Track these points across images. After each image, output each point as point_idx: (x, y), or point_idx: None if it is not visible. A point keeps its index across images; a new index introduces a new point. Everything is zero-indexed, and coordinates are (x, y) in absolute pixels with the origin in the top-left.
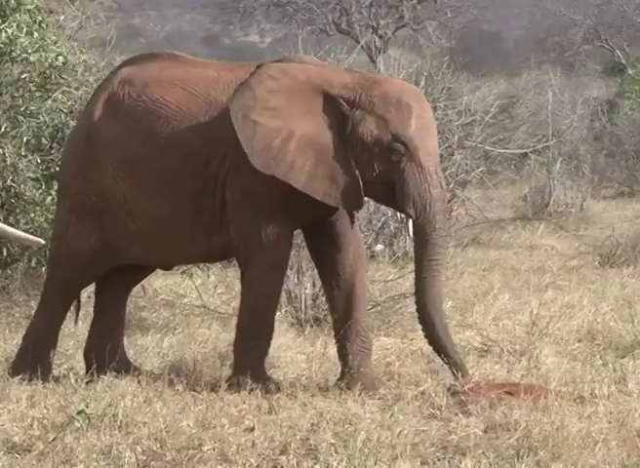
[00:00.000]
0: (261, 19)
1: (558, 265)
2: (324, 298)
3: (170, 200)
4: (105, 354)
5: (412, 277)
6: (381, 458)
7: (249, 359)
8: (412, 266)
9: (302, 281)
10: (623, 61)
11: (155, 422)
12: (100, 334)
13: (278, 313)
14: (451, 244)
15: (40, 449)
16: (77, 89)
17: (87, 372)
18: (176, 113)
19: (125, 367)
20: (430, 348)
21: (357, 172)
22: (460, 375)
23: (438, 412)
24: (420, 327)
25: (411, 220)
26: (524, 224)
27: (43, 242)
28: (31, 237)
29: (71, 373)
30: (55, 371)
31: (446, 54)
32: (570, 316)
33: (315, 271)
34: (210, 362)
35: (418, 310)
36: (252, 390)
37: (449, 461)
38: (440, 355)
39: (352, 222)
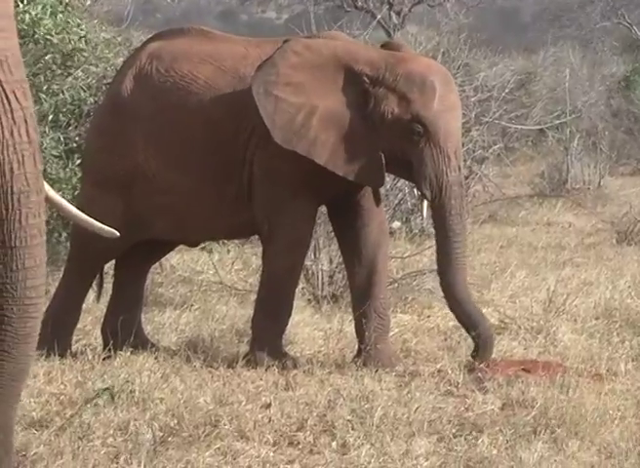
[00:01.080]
0: None
1: (575, 242)
2: (341, 275)
3: (197, 175)
4: (122, 330)
5: (429, 253)
6: (398, 435)
7: (267, 335)
8: (429, 243)
9: (319, 258)
10: None
11: (172, 398)
12: (118, 310)
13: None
14: (468, 221)
15: (58, 425)
16: (96, 65)
17: (104, 349)
18: (204, 88)
19: (142, 343)
20: (448, 325)
21: (379, 148)
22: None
23: (455, 389)
24: (437, 304)
25: (426, 201)
26: (541, 201)
27: (118, 234)
28: (106, 228)
29: (89, 349)
30: (72, 348)
31: (463, 30)
32: (587, 293)
33: (332, 248)
34: (227, 338)
35: (444, 292)
36: (269, 367)
37: (465, 438)
38: (470, 332)
39: (378, 200)
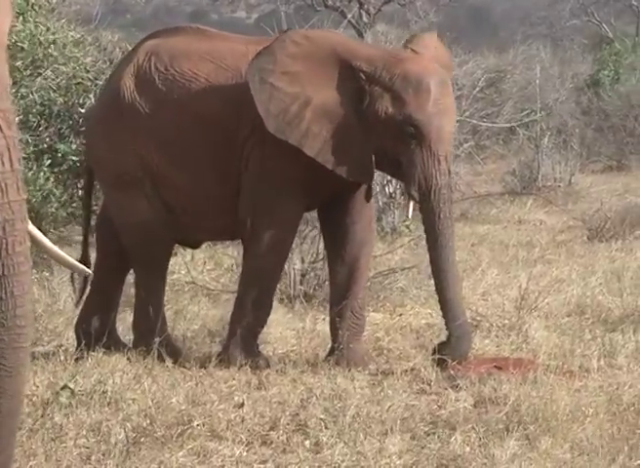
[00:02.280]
0: None
1: (547, 240)
2: (313, 274)
3: (198, 173)
4: (95, 330)
5: (400, 252)
6: (371, 433)
7: (242, 334)
8: (400, 241)
9: (292, 257)
10: (610, 36)
11: (145, 399)
12: (94, 310)
13: None
14: None
15: (30, 426)
16: (66, 65)
17: (77, 348)
18: (205, 86)
19: (114, 343)
20: (420, 323)
21: (370, 146)
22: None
23: (428, 387)
24: (409, 302)
25: (412, 202)
26: (512, 199)
27: (89, 272)
28: (79, 265)
29: (60, 350)
30: (43, 349)
31: (433, 29)
32: (559, 290)
33: (304, 247)
34: (199, 338)
35: (438, 294)
36: (241, 366)
37: (438, 436)
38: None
39: (369, 197)
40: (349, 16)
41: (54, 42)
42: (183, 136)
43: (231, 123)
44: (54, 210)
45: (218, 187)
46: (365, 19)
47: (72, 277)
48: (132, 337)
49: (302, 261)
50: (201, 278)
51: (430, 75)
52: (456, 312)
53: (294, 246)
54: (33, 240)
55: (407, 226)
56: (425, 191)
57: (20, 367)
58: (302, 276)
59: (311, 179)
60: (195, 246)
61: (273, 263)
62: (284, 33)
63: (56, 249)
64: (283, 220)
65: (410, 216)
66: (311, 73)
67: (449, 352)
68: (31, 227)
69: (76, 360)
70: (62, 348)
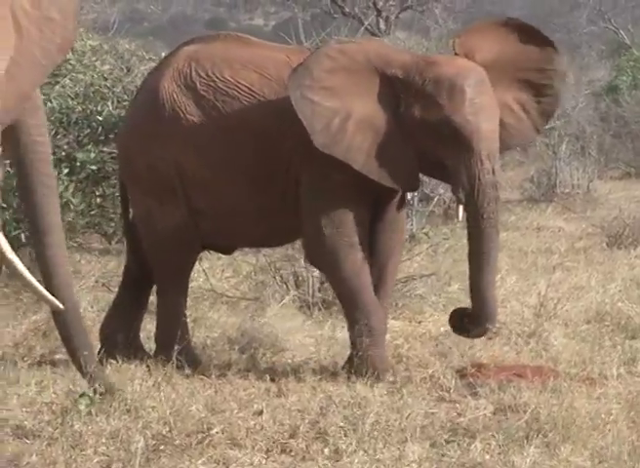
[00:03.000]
0: (266, 1)
1: (566, 246)
2: None
3: (238, 181)
4: (118, 336)
5: (419, 259)
6: (391, 441)
7: (365, 348)
8: (419, 249)
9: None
10: (628, 42)
11: (164, 407)
12: (119, 315)
13: (287, 297)
14: (458, 226)
15: (49, 434)
16: (84, 73)
17: (98, 352)
18: (248, 95)
19: (135, 350)
20: (439, 330)
21: (413, 152)
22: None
23: (447, 395)
24: (428, 309)
25: (460, 205)
26: (531, 206)
27: (62, 307)
28: (52, 298)
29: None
30: (63, 356)
31: (452, 35)
32: (578, 297)
33: None
34: (218, 346)
35: (471, 291)
36: (262, 374)
37: (458, 443)
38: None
39: (402, 206)
40: (367, 23)
41: (72, 50)
42: (224, 144)
43: (274, 133)
44: (71, 218)
45: (257, 196)
46: (382, 26)
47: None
48: (153, 346)
49: None
50: (220, 285)
51: (463, 75)
52: (486, 297)
53: None
54: (9, 266)
55: (425, 233)
56: (470, 192)
57: None
58: (321, 283)
59: (364, 186)
60: (227, 252)
61: (353, 270)
62: (318, 48)
63: (31, 279)
64: (349, 226)
65: (460, 219)
66: (349, 86)
67: (470, 324)
68: (9, 253)
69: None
70: None
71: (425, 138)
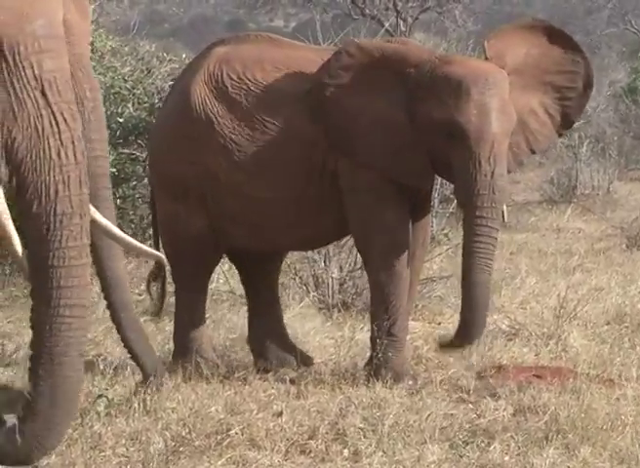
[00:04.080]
0: (286, 2)
1: (585, 248)
2: (351, 283)
3: (273, 184)
4: (271, 343)
5: (438, 260)
6: (410, 442)
7: (387, 350)
8: (438, 250)
9: (329, 266)
10: None
11: (184, 408)
12: (259, 320)
13: (306, 298)
14: None
15: (69, 435)
16: (104, 75)
17: (255, 363)
18: (281, 96)
19: (290, 353)
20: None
21: (423, 150)
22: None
23: (466, 396)
24: (447, 311)
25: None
26: (551, 207)
27: (162, 256)
28: (153, 251)
29: (99, 360)
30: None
31: (471, 37)
32: (598, 299)
33: (342, 256)
34: (238, 347)
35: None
36: (281, 375)
37: (477, 445)
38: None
39: (428, 209)
40: (387, 24)
41: (92, 52)
42: (257, 147)
43: (308, 134)
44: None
45: (295, 199)
46: (402, 27)
47: (149, 286)
48: (172, 347)
49: (341, 270)
50: (239, 287)
51: (471, 76)
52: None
53: (331, 254)
54: (103, 229)
55: (445, 235)
56: (465, 193)
57: (63, 354)
58: (341, 285)
59: (400, 184)
60: (269, 255)
61: (392, 270)
62: (342, 45)
63: (125, 236)
64: (391, 225)
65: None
66: (364, 83)
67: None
68: (98, 217)
69: (115, 369)
70: (101, 357)
71: (433, 137)
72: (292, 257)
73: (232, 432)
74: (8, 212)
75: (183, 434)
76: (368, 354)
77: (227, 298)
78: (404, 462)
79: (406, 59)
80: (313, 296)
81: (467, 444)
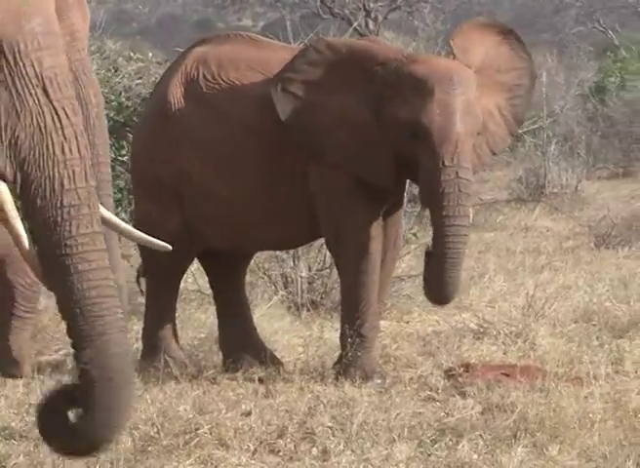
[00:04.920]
0: (255, 1)
1: (553, 246)
2: (320, 282)
3: (244, 184)
4: (237, 340)
5: (407, 259)
6: (378, 441)
7: (356, 351)
8: (406, 249)
9: (298, 265)
10: (616, 43)
11: (152, 407)
12: (228, 324)
13: (275, 297)
14: None
15: (37, 436)
16: None
17: (224, 363)
18: (252, 97)
19: (260, 353)
20: (427, 330)
21: (388, 149)
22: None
23: (435, 395)
24: (416, 309)
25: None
26: (519, 206)
27: (170, 248)
28: (158, 242)
29: (68, 359)
30: (51, 357)
31: (440, 36)
32: (566, 297)
33: (310, 255)
34: (206, 347)
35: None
36: (249, 374)
37: (446, 443)
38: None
39: (399, 209)
40: (355, 23)
41: None
42: (228, 147)
43: (278, 136)
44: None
45: (265, 201)
46: (371, 26)
47: (138, 280)
48: (140, 346)
49: (309, 269)
50: (207, 286)
51: (436, 75)
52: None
53: (300, 254)
54: (109, 224)
55: (414, 234)
56: (430, 194)
57: (103, 333)
58: (309, 284)
59: (374, 180)
60: (244, 256)
61: (361, 273)
62: (310, 42)
63: (131, 229)
64: (361, 229)
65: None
66: (331, 81)
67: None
68: (103, 211)
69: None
70: (70, 357)
71: (398, 136)
72: (260, 256)
73: (201, 431)
74: (16, 211)
75: (152, 433)
76: (337, 353)
77: (195, 298)
78: (372, 461)
79: (374, 58)
80: (282, 295)
81: (436, 442)
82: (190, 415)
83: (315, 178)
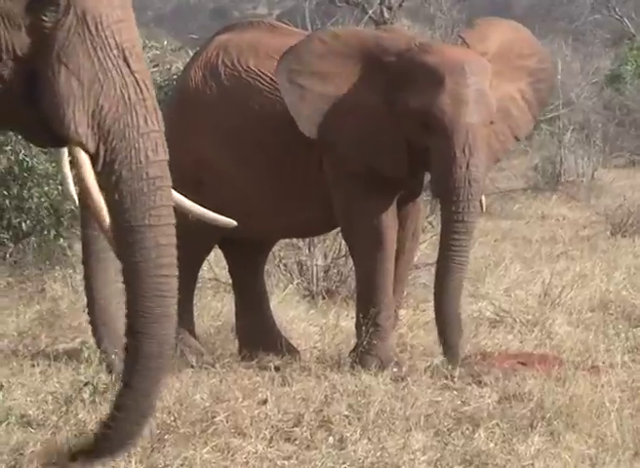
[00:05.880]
0: None
1: (570, 235)
2: (336, 270)
3: (259, 171)
4: (258, 332)
5: (423, 247)
6: (395, 430)
7: (371, 339)
8: (423, 237)
9: (314, 253)
10: (632, 30)
11: (169, 395)
12: (247, 311)
13: (290, 285)
14: None
15: (54, 423)
16: None
17: (240, 352)
18: (269, 85)
19: (276, 342)
20: None
21: (400, 139)
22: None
23: (451, 383)
24: (432, 298)
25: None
26: (535, 194)
27: (235, 224)
28: (223, 218)
29: (84, 347)
30: (67, 346)
31: (457, 24)
32: (582, 285)
33: (326, 243)
34: (222, 335)
35: (434, 296)
36: (265, 363)
37: (462, 432)
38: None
39: (417, 200)
40: (370, 11)
41: None
42: (245, 135)
43: (294, 123)
44: (74, 207)
45: (282, 188)
46: (386, 14)
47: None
48: None
49: (325, 257)
50: (224, 274)
51: (448, 65)
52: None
53: (316, 242)
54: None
55: (429, 222)
56: (442, 185)
57: (163, 314)
58: (325, 272)
59: (386, 169)
60: (259, 243)
61: (376, 261)
62: (314, 32)
63: (194, 205)
64: (375, 216)
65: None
66: (341, 71)
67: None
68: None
69: (99, 356)
70: (86, 345)
71: (410, 126)
72: (276, 245)
73: (217, 419)
74: (96, 183)
75: (168, 422)
76: (353, 341)
77: (211, 286)
78: (389, 449)
79: (385, 47)
80: (297, 284)
81: (452, 431)
82: (207, 404)
83: (328, 167)
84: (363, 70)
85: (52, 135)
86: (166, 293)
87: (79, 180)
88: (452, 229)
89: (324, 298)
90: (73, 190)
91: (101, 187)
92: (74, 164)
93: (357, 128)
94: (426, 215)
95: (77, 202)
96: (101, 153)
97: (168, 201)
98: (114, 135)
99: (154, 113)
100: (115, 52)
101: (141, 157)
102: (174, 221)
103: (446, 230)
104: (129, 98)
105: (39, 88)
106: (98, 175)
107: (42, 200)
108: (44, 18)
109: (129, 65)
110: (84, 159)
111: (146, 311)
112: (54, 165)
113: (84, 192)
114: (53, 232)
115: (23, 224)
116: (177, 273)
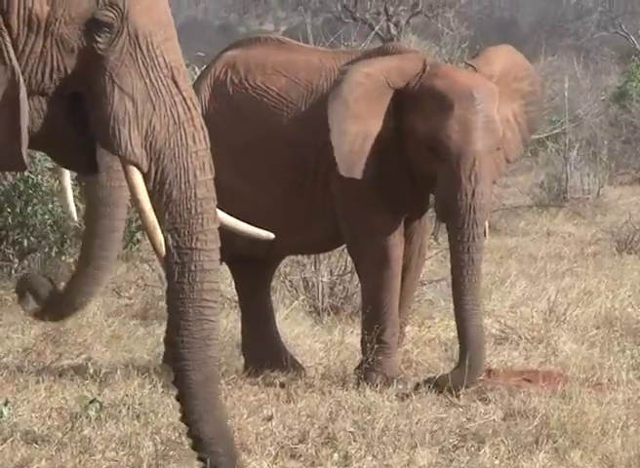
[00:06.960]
0: (276, 6)
1: (575, 252)
2: (341, 287)
3: (268, 188)
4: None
5: (428, 264)
6: (400, 446)
7: (376, 355)
8: (428, 254)
9: (319, 269)
10: (639, 47)
11: (174, 412)
12: (253, 328)
13: (296, 302)
14: None
15: (59, 439)
16: None
17: (245, 369)
18: (277, 101)
19: (282, 358)
20: (449, 335)
21: (409, 164)
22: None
23: (456, 400)
24: (437, 315)
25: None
26: (541, 211)
27: (272, 236)
28: (262, 232)
29: (89, 363)
30: (72, 362)
31: (464, 41)
32: (587, 303)
33: (332, 260)
34: (227, 351)
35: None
36: (271, 379)
37: (467, 449)
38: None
39: (423, 218)
40: (377, 28)
41: None
42: (253, 152)
43: (301, 141)
44: (78, 224)
45: (289, 204)
46: (393, 31)
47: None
48: (162, 350)
49: (331, 274)
50: (229, 290)
51: (455, 91)
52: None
53: (321, 258)
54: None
55: (435, 239)
56: (446, 211)
57: (207, 338)
58: (330, 289)
59: (396, 189)
60: (270, 261)
61: (382, 278)
62: (348, 70)
63: (235, 221)
64: (381, 234)
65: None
66: (368, 109)
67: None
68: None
69: (105, 373)
70: (91, 361)
71: (416, 149)
72: (282, 261)
73: None
74: (149, 202)
75: (173, 438)
76: (358, 358)
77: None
78: (394, 466)
79: (401, 75)
80: (303, 300)
81: (457, 448)
82: None
83: (336, 184)
84: (384, 101)
85: (88, 158)
86: (209, 318)
87: (133, 201)
88: (459, 266)
89: (329, 315)
90: (73, 207)
91: (153, 207)
92: (127, 185)
93: (366, 151)
94: (432, 232)
95: (76, 218)
96: (152, 173)
97: (214, 224)
98: (165, 155)
99: (201, 131)
100: (165, 71)
101: (190, 177)
102: (218, 245)
103: (455, 267)
104: (178, 118)
105: (88, 108)
106: (149, 194)
107: (46, 217)
108: (98, 39)
109: (177, 85)
110: (138, 179)
111: (190, 336)
112: (58, 182)
113: (140, 212)
114: (55, 249)
115: (27, 241)
116: (218, 300)
